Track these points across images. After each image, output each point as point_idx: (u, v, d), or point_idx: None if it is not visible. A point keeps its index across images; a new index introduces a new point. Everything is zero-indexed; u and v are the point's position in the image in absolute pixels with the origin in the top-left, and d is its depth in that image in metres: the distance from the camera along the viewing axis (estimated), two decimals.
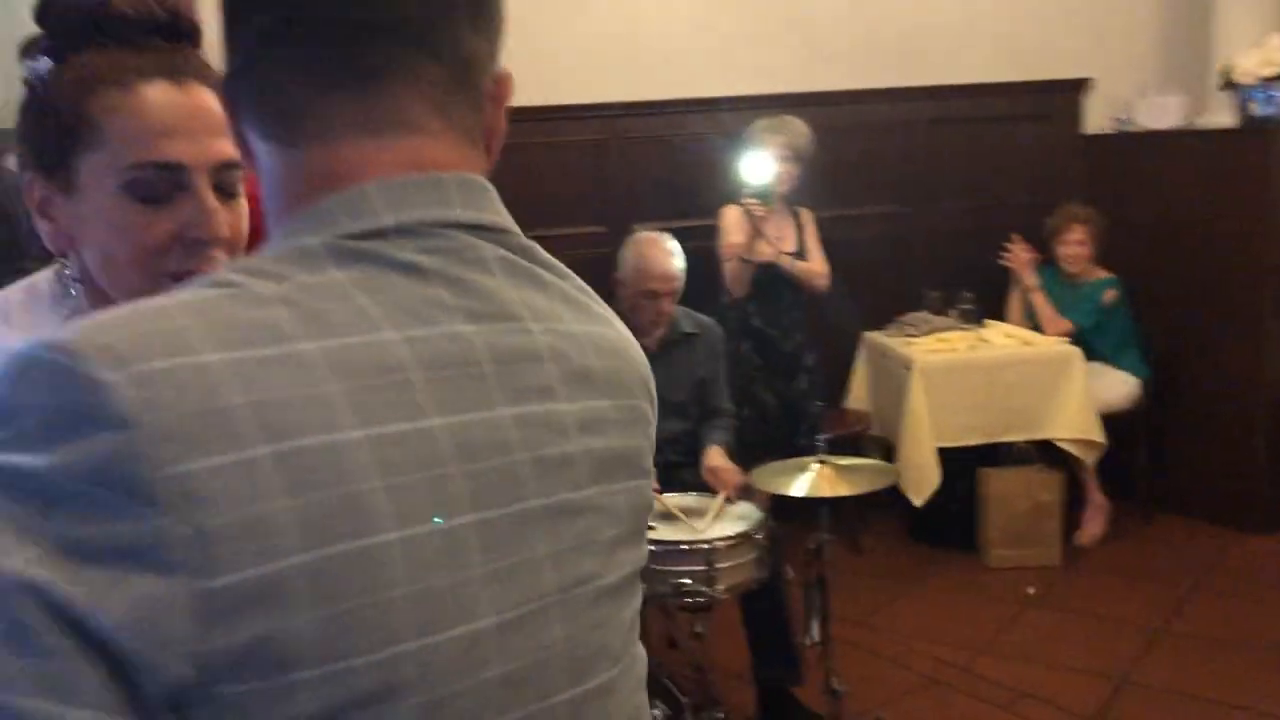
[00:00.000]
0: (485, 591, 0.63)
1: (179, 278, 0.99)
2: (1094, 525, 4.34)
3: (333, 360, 0.60)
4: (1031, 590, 3.93)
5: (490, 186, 0.73)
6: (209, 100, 1.01)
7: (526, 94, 3.55)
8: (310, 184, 0.68)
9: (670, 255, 3.22)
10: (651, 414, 0.81)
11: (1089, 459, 4.23)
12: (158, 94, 0.98)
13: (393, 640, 0.59)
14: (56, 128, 0.99)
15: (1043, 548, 4.13)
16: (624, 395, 0.76)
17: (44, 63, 1.02)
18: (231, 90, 0.72)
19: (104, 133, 0.98)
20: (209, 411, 0.55)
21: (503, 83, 0.75)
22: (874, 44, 4.67)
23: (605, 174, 4.60)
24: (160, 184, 0.98)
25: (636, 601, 0.78)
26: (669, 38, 4.55)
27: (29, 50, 1.03)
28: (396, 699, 0.59)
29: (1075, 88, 4.81)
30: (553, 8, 4.44)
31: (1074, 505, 4.36)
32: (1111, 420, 4.28)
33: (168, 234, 0.99)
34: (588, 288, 0.79)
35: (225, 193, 1.03)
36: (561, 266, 0.77)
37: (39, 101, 1.01)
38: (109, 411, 0.54)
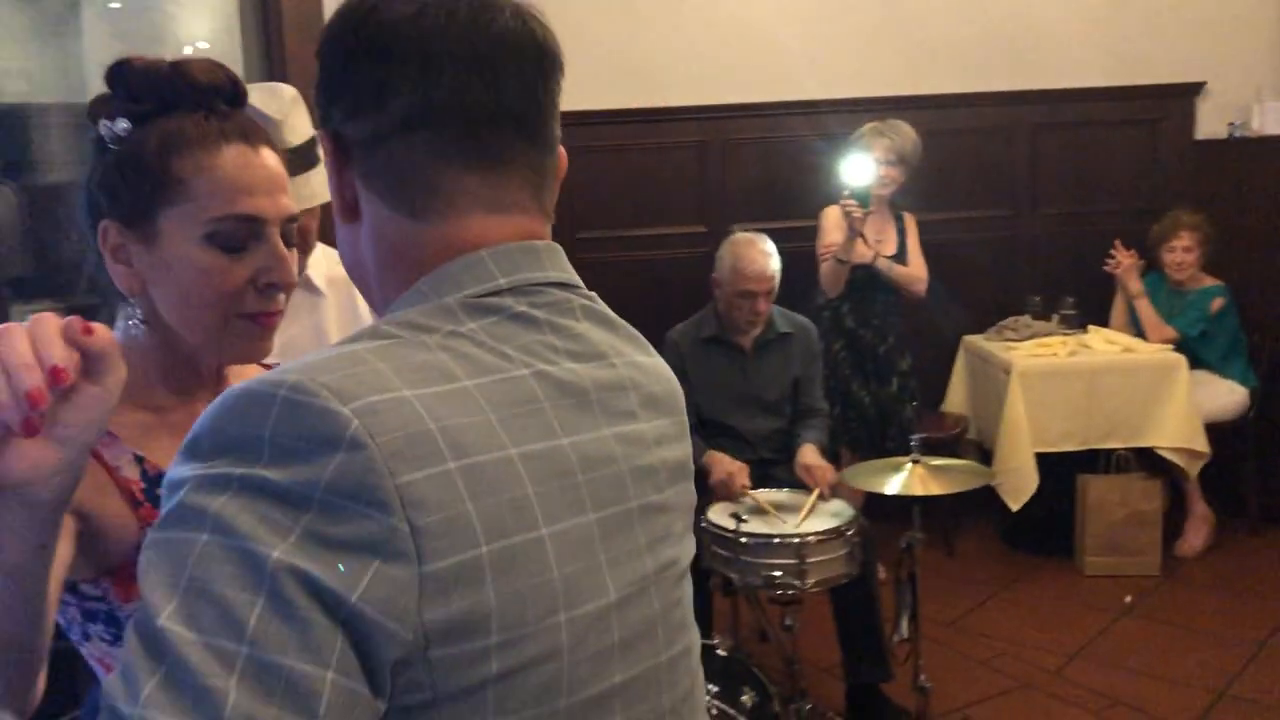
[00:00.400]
0: (608, 574, 0.78)
1: (250, 318, 1.11)
2: (1196, 536, 4.27)
3: (486, 394, 0.74)
4: (1129, 599, 3.90)
5: (562, 250, 0.87)
6: (274, 160, 1.14)
7: (632, 97, 3.66)
8: (434, 251, 0.81)
9: (766, 256, 3.29)
10: (684, 420, 0.95)
11: (1192, 469, 4.16)
12: (236, 155, 1.10)
13: (553, 612, 0.72)
14: (141, 184, 1.09)
15: (1141, 557, 4.08)
16: (677, 413, 0.92)
17: (122, 124, 1.11)
18: (345, 159, 0.83)
19: (190, 189, 1.08)
20: (416, 435, 0.68)
21: (563, 160, 0.89)
22: (981, 47, 4.66)
23: (707, 175, 4.68)
24: (239, 235, 1.10)
25: (691, 585, 0.91)
26: (774, 41, 4.60)
27: (103, 110, 1.13)
28: (554, 660, 0.72)
29: (1187, 92, 4.73)
30: (660, 12, 4.54)
31: (1177, 516, 4.31)
32: (1219, 431, 4.21)
33: (244, 279, 1.10)
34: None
35: (287, 242, 1.14)
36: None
37: (120, 159, 1.11)
38: (344, 436, 0.66)
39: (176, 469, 0.70)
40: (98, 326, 0.77)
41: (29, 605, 0.82)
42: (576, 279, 0.87)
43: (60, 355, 0.73)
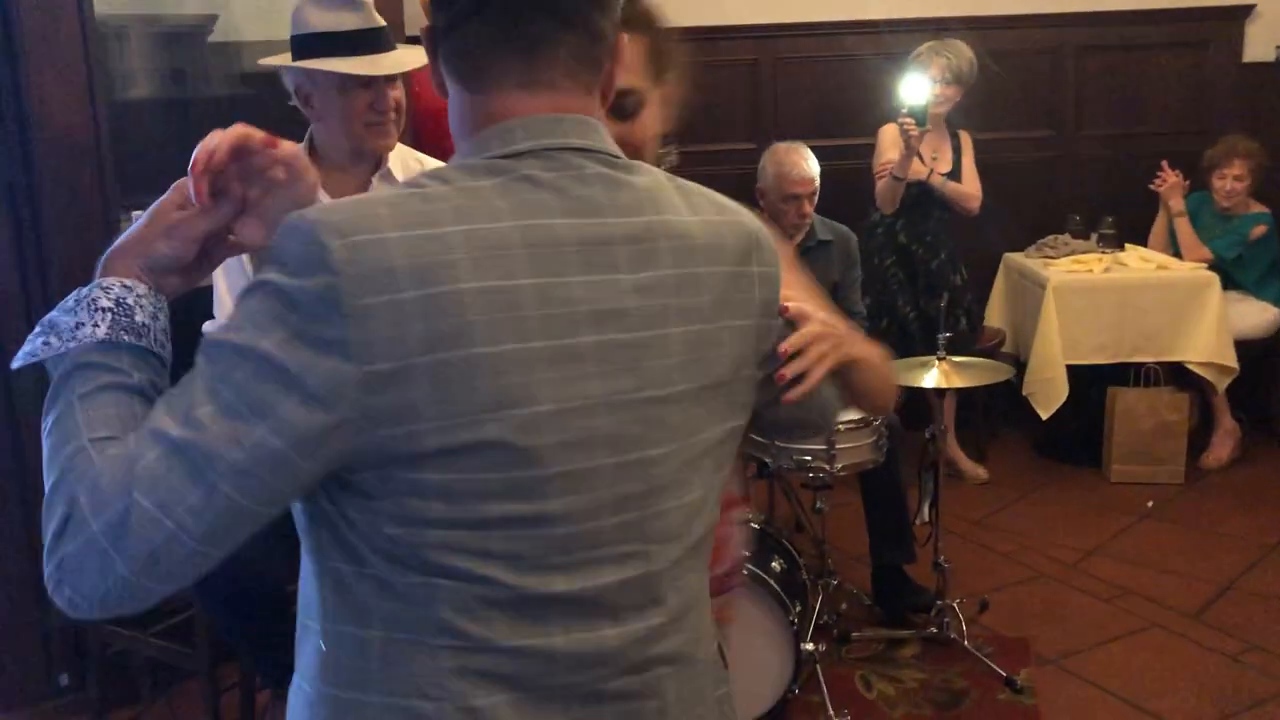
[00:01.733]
0: (550, 390, 0.95)
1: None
2: (1221, 449, 4.43)
3: (465, 239, 0.92)
4: (1150, 504, 4.09)
5: (598, 123, 1.05)
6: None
7: (688, 14, 3.80)
8: (481, 119, 1.02)
9: (806, 159, 3.51)
10: (721, 271, 1.06)
11: (1220, 384, 4.31)
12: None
13: (481, 410, 0.92)
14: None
15: (1166, 466, 4.26)
16: (698, 265, 1.05)
17: None
18: (434, 45, 1.05)
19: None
20: (382, 269, 0.89)
21: (618, 47, 1.07)
22: None
23: (759, 93, 4.84)
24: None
25: (702, 413, 1.06)
26: None
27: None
28: (489, 446, 0.93)
29: (1237, 15, 4.77)
30: None
31: (1205, 432, 4.47)
32: (1249, 348, 4.35)
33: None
34: (683, 181, 1.09)
35: (620, 114, 1.33)
36: (656, 171, 1.08)
37: None
38: (329, 263, 0.89)
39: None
40: (284, 143, 1.07)
41: None
42: (603, 146, 1.04)
43: (213, 144, 1.05)
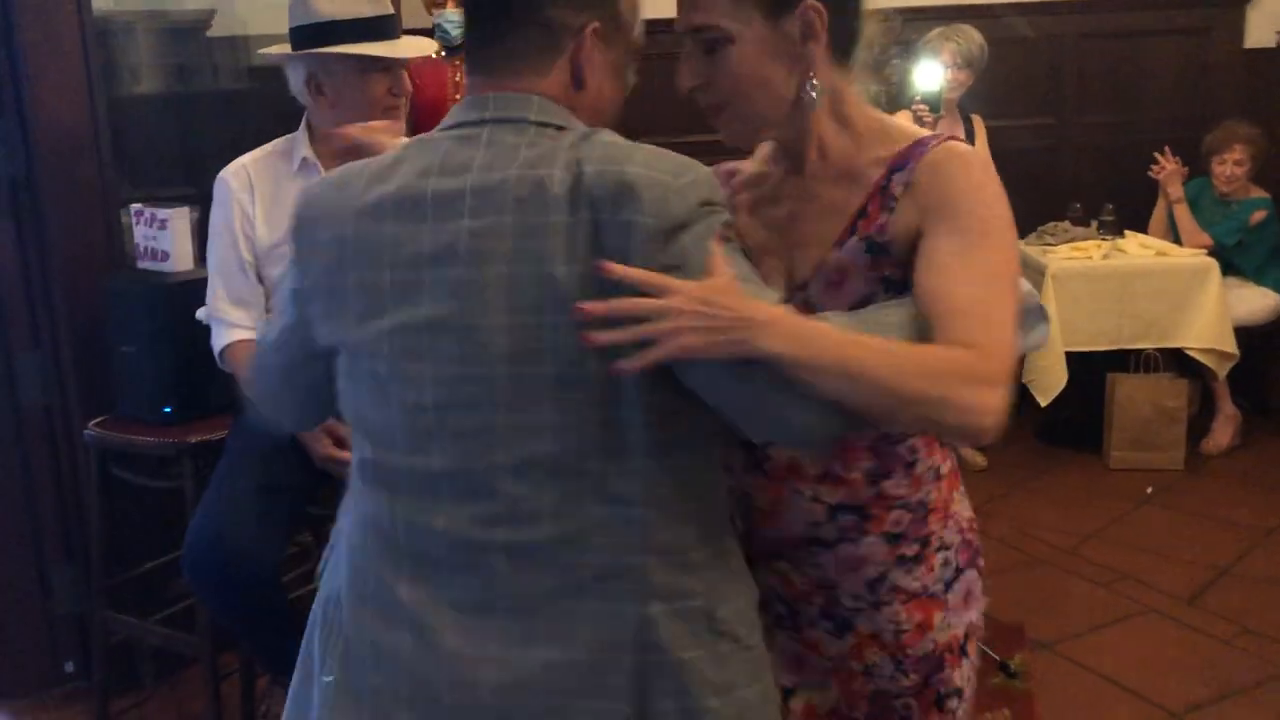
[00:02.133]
0: (394, 312, 1.18)
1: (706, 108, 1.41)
2: (1222, 435, 4.44)
3: (361, 200, 1.20)
4: (1150, 490, 4.10)
5: (533, 98, 1.20)
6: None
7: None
8: None
9: None
10: (568, 220, 1.11)
11: (1221, 370, 4.31)
12: None
13: (350, 323, 1.21)
14: None
15: (1166, 452, 4.27)
16: (531, 214, 1.12)
17: None
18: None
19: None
20: (310, 218, 1.26)
21: (582, 32, 1.22)
22: None
23: None
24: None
25: (551, 344, 1.13)
26: None
27: None
28: (353, 346, 1.23)
29: (1237, 1, 4.76)
30: None
31: (1205, 419, 4.47)
32: (1249, 334, 4.35)
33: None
34: (605, 139, 1.16)
35: (707, 49, 1.37)
36: (578, 135, 1.17)
37: None
38: (293, 214, 1.28)
39: None
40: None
41: None
42: (524, 116, 1.19)
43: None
